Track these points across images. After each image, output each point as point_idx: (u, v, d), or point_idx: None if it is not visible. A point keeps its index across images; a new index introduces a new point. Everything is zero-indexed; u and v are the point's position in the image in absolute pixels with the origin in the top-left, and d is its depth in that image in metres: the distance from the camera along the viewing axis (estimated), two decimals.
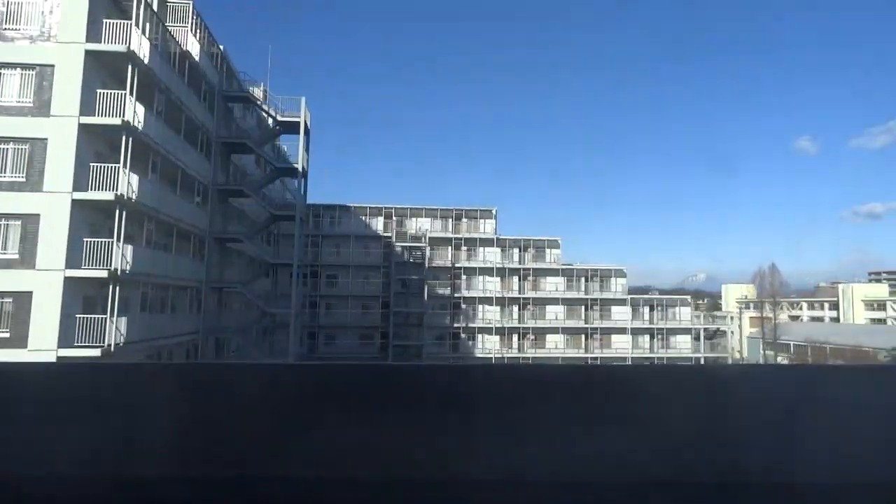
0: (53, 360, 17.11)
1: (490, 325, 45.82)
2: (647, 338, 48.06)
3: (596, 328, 47.58)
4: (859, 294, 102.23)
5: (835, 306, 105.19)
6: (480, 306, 46.53)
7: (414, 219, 46.67)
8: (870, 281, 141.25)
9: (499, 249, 47.41)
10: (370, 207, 46.01)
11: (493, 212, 47.98)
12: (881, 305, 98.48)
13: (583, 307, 47.63)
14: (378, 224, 46.23)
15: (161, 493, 1.28)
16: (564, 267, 48.21)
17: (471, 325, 45.95)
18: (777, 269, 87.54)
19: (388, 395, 1.38)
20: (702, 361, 45.09)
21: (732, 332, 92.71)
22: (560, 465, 1.30)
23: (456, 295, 46.12)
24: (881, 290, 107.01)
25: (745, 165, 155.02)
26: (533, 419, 1.34)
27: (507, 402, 1.36)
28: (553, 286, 47.64)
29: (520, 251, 47.79)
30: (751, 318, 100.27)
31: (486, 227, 47.67)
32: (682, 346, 47.89)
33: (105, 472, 1.29)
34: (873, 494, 1.29)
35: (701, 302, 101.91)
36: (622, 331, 47.42)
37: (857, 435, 1.32)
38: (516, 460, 1.31)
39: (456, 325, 45.72)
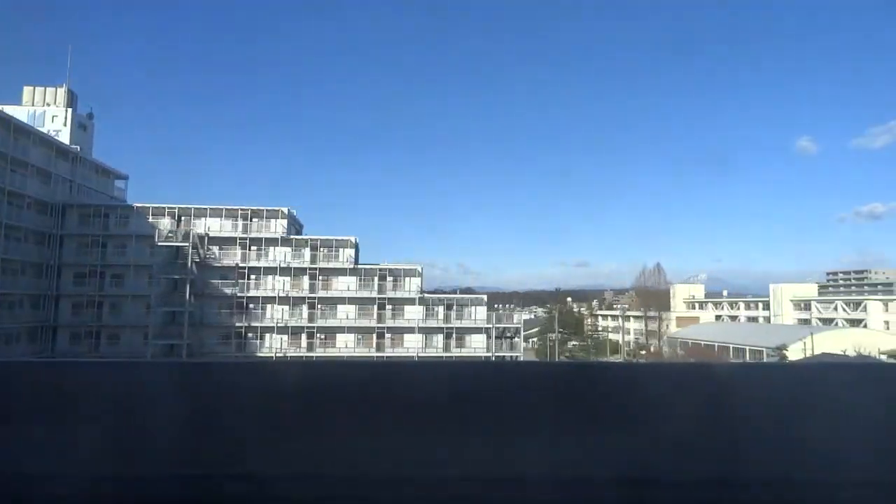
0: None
1: (273, 325, 46.09)
2: (440, 337, 47.94)
3: (388, 327, 47.64)
4: (788, 294, 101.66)
5: (768, 306, 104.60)
6: (269, 306, 46.79)
7: (202, 218, 47.03)
8: (827, 282, 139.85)
9: (289, 249, 47.63)
10: (153, 207, 46.48)
11: (286, 211, 48.23)
12: (807, 305, 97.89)
13: (375, 307, 47.67)
14: (168, 223, 46.66)
15: (161, 491, 1.30)
16: (358, 266, 48.30)
17: (255, 324, 46.24)
18: (662, 269, 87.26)
19: (388, 392, 1.41)
20: (493, 359, 44.95)
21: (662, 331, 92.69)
22: (559, 464, 1.31)
23: (246, 294, 46.43)
24: (811, 290, 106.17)
25: (746, 166, 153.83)
26: (532, 417, 1.35)
27: (506, 400, 1.38)
28: (345, 285, 47.74)
29: (312, 251, 47.95)
30: (677, 318, 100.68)
31: (277, 227, 47.88)
32: (477, 345, 47.72)
33: (106, 470, 1.31)
34: (872, 492, 1.28)
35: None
36: (414, 330, 47.38)
37: (856, 434, 1.32)
38: (515, 458, 1.32)
39: (240, 324, 46.01)
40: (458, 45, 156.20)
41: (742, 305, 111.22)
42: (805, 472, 1.29)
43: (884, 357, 58.45)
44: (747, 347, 69.51)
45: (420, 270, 48.51)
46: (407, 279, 48.50)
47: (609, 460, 1.30)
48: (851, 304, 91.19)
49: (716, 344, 73.48)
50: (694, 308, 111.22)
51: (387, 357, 45.28)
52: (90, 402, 1.36)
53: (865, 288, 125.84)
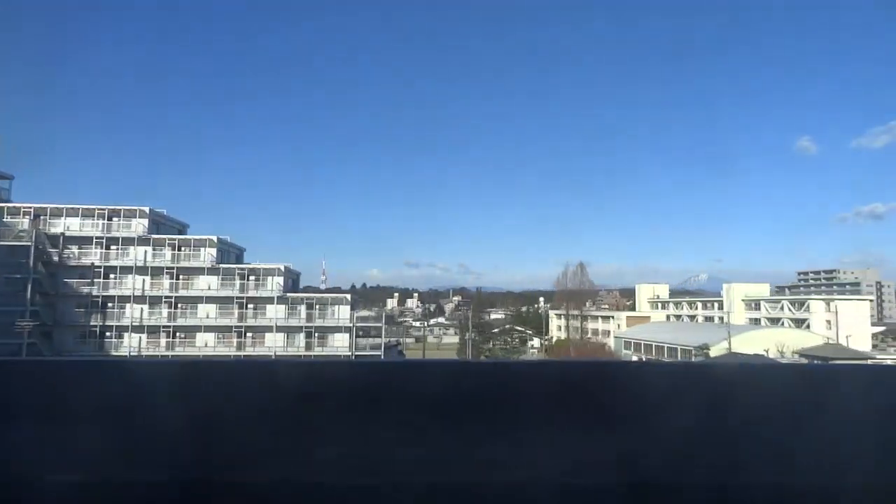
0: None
1: (127, 324, 45.83)
2: (302, 336, 47.46)
3: (249, 326, 47.22)
4: (739, 294, 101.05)
5: (721, 306, 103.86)
6: (128, 305, 46.53)
7: (59, 218, 46.88)
8: (798, 281, 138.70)
9: (149, 248, 47.36)
10: (8, 206, 46.36)
11: (146, 211, 47.98)
12: (757, 305, 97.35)
13: (237, 306, 47.28)
14: (26, 223, 46.53)
15: (160, 491, 1.28)
16: (219, 266, 47.93)
17: (112, 323, 45.99)
18: (585, 269, 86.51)
19: (388, 392, 1.39)
20: (353, 358, 44.38)
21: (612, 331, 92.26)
22: (560, 464, 1.29)
23: (101, 294, 46.20)
24: (762, 290, 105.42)
25: (747, 166, 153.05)
26: (532, 418, 1.34)
27: (507, 400, 1.37)
28: (206, 284, 47.39)
29: (173, 250, 47.67)
30: (627, 317, 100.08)
31: (137, 227, 47.64)
32: (339, 344, 47.18)
33: (105, 470, 1.29)
34: (872, 494, 1.26)
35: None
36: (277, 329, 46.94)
37: (857, 435, 1.30)
38: (516, 458, 1.30)
39: (97, 323, 45.78)
40: (459, 43, 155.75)
41: (699, 305, 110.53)
42: (806, 473, 1.26)
43: (796, 356, 58.17)
44: (678, 347, 69.76)
45: (282, 269, 48.02)
46: (270, 279, 48.06)
47: (610, 460, 1.28)
48: (796, 304, 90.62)
49: (653, 343, 73.87)
50: (657, 307, 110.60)
51: (243, 356, 44.89)
52: (89, 401, 1.34)
53: (834, 287, 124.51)
